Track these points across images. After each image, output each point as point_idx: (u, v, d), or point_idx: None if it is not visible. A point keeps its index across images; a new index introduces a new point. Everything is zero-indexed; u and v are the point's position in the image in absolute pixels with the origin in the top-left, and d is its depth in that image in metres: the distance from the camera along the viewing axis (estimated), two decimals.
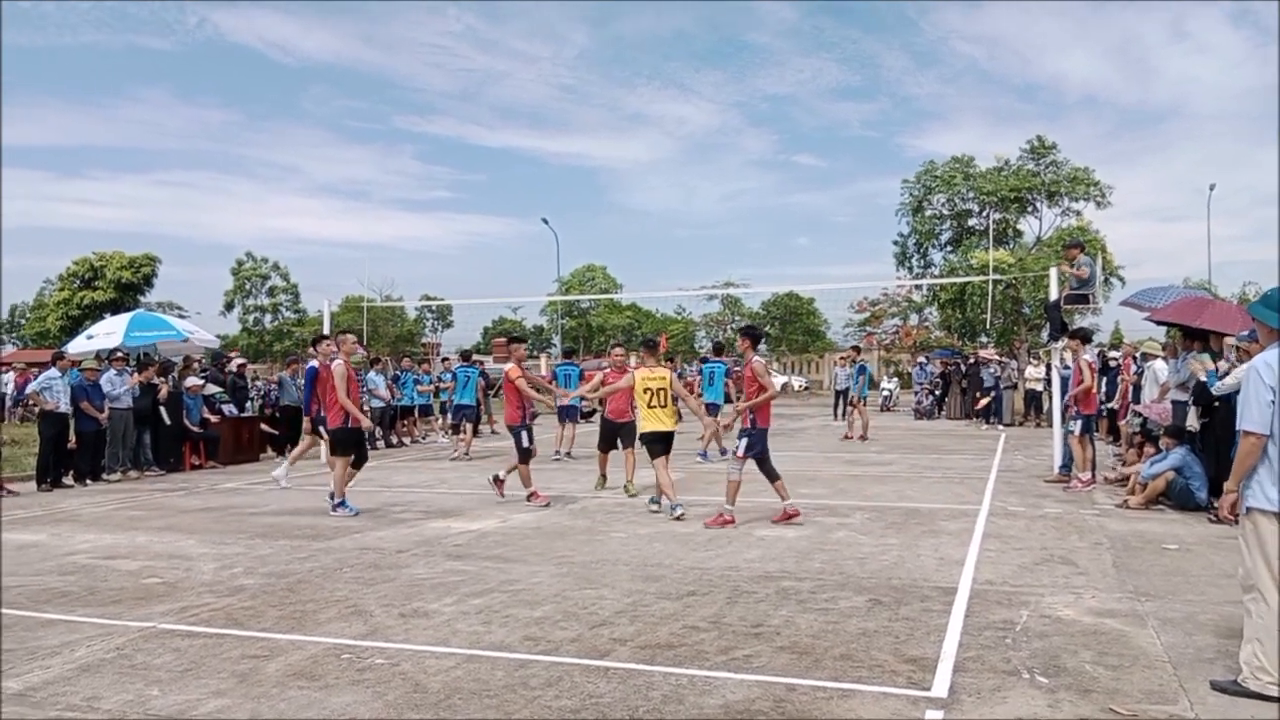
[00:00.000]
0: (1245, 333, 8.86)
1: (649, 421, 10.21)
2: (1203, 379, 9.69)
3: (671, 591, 6.49)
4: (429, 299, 48.49)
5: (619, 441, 11.77)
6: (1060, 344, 13.35)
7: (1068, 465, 12.09)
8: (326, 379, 10.31)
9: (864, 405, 19.66)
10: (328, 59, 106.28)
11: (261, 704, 4.40)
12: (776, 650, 5.13)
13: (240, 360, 18.52)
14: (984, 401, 23.27)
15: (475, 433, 20.01)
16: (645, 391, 10.16)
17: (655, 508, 10.11)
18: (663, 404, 10.15)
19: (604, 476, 11.97)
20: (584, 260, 63.47)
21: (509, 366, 11.15)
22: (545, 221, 49.54)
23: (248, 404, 17.62)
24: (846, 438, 19.36)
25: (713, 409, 15.93)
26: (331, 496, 10.29)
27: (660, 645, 5.25)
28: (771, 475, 9.41)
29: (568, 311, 58.53)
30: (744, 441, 9.19)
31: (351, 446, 10.37)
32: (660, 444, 10.13)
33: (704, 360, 17.06)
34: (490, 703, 4.37)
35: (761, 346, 57.58)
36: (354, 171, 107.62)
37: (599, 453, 12.12)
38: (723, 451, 15.65)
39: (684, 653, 5.10)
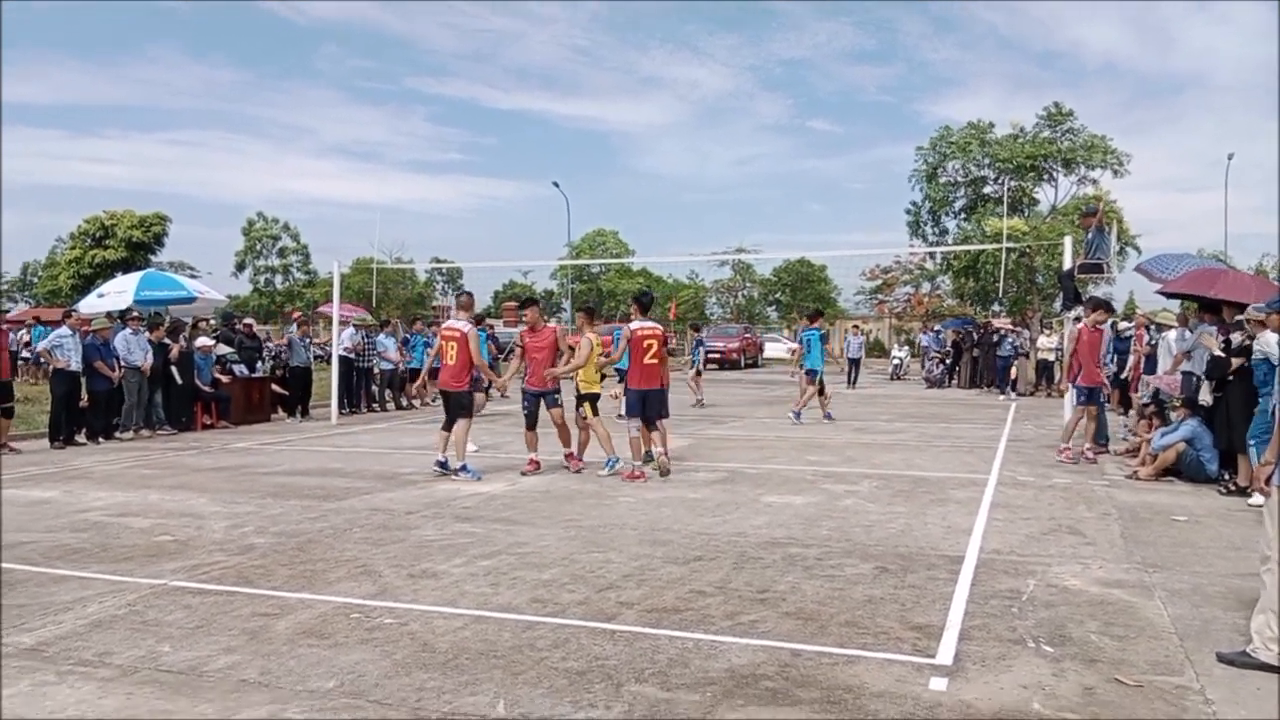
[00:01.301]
0: (1263, 304, 8.77)
1: (594, 385, 10.65)
2: (1217, 353, 9.62)
3: (678, 556, 6.52)
4: (439, 261, 48.54)
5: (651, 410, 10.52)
6: (1073, 313, 13.26)
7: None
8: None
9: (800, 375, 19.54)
10: (340, 18, 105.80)
11: (271, 661, 4.45)
12: (782, 616, 5.16)
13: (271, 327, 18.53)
14: (1014, 373, 23.08)
15: (486, 395, 20.16)
16: (599, 356, 10.61)
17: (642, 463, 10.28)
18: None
19: (648, 451, 10.46)
20: (595, 224, 63.40)
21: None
22: (556, 185, 49.30)
23: (258, 363, 17.65)
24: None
25: (811, 374, 16.38)
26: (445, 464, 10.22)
27: (666, 609, 5.28)
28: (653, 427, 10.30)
29: (578, 276, 58.40)
30: (622, 402, 10.38)
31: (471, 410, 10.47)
32: (595, 402, 10.72)
33: (805, 327, 17.82)
34: (497, 663, 4.41)
35: (772, 312, 57.57)
36: (366, 133, 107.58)
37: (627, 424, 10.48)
38: (828, 415, 16.41)
39: (690, 617, 5.13)
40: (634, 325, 10.23)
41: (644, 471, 9.94)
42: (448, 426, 10.24)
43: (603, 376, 11.05)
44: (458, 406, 10.13)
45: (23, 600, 5.48)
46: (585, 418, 10.61)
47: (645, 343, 10.05)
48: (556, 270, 58.59)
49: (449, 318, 10.62)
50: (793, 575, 6.02)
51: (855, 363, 27.41)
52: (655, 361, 10.14)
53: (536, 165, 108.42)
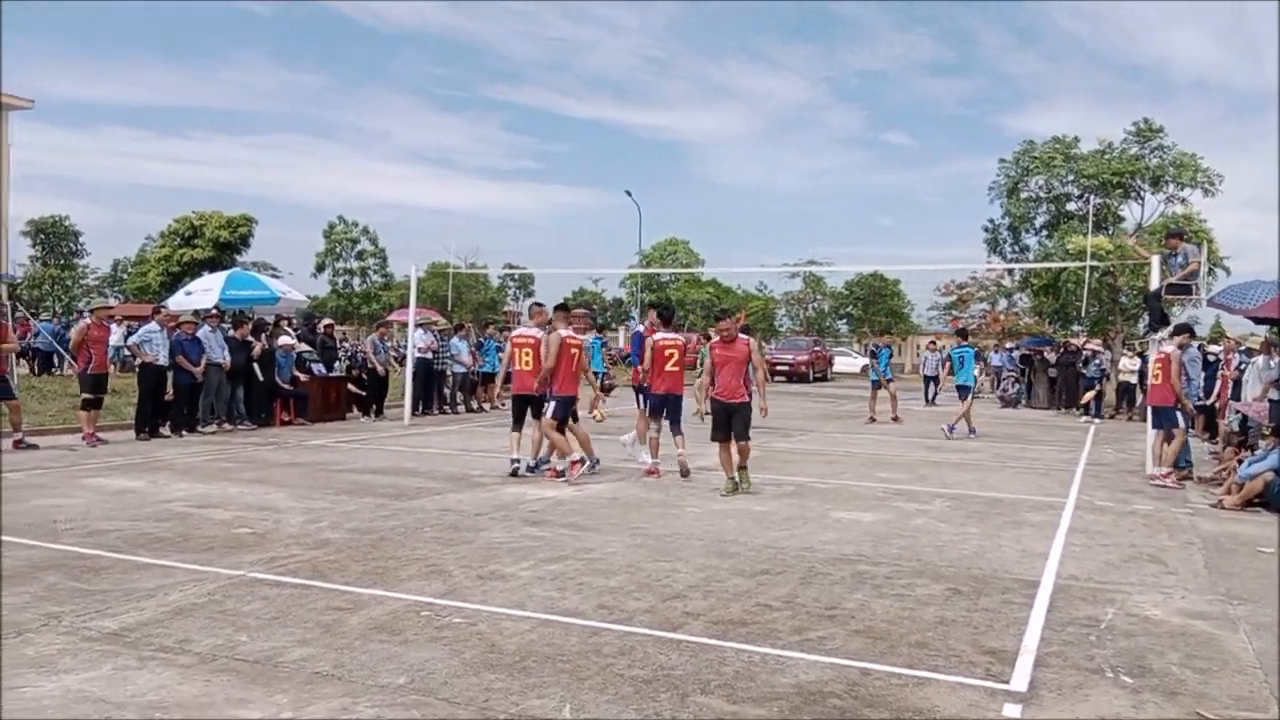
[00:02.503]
0: None
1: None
2: None
3: (745, 569, 6.48)
4: (512, 267, 49.10)
5: (732, 428, 9.68)
6: (1159, 335, 12.88)
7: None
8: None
9: (891, 385, 20.41)
10: (419, 25, 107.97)
11: (344, 655, 4.53)
12: (851, 633, 5.09)
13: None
14: (1089, 395, 22.54)
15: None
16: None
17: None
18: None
19: (733, 479, 9.69)
20: (666, 234, 63.42)
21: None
22: (629, 194, 49.59)
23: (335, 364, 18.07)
24: (872, 420, 19.48)
25: (964, 390, 17.25)
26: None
27: (733, 621, 5.25)
28: (675, 432, 10.82)
29: (648, 285, 58.52)
30: (552, 405, 10.26)
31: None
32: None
33: (956, 345, 18.62)
34: (564, 667, 4.43)
35: (843, 326, 56.92)
36: (442, 139, 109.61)
37: (717, 445, 9.87)
38: (972, 430, 16.94)
39: (756, 630, 5.09)
40: (656, 336, 10.92)
41: (657, 468, 10.71)
42: (518, 428, 10.56)
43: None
44: (539, 406, 10.51)
45: (107, 586, 5.68)
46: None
47: (666, 352, 10.83)
48: (626, 278, 58.83)
49: (519, 324, 10.89)
50: (862, 593, 5.94)
51: (932, 379, 27.19)
52: (676, 369, 10.86)
53: (609, 174, 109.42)
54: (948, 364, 18.83)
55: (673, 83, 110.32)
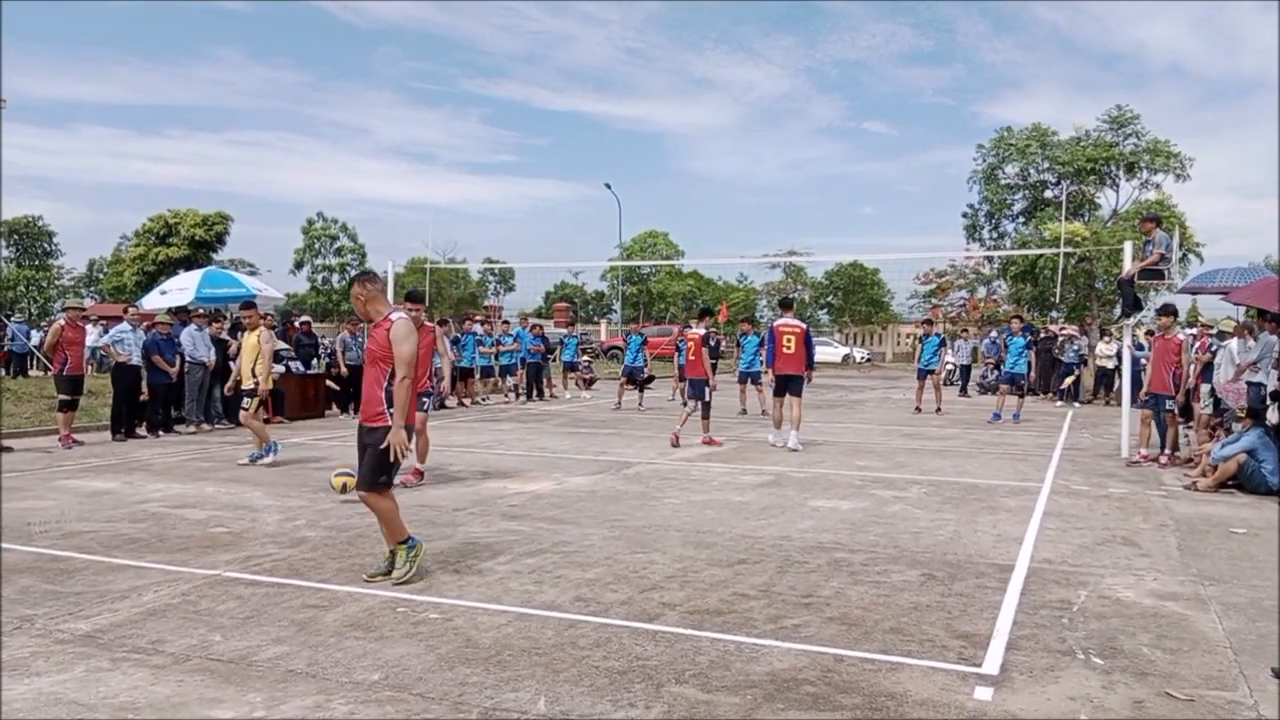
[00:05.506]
0: None
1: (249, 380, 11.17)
2: None
3: (722, 559, 6.50)
4: (491, 262, 48.95)
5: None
6: (1132, 321, 12.99)
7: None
8: None
9: (936, 377, 20.16)
10: (398, 20, 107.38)
11: (319, 652, 4.52)
12: (826, 621, 5.12)
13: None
14: (1068, 381, 22.65)
15: (540, 394, 20.76)
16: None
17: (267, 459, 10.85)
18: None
19: (390, 553, 5.99)
20: (646, 226, 63.49)
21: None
22: (608, 186, 49.57)
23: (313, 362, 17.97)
24: (917, 410, 19.37)
25: (1009, 377, 18.46)
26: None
27: (709, 611, 5.27)
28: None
29: (629, 278, 58.47)
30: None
31: None
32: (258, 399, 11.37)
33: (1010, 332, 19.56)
34: (539, 660, 4.43)
35: (823, 316, 56.99)
36: (421, 134, 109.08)
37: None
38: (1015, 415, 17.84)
39: (732, 619, 5.11)
40: (688, 331, 12.84)
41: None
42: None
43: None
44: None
45: (81, 588, 5.64)
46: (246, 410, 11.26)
47: (689, 343, 13.04)
48: (607, 271, 58.75)
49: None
50: (837, 580, 5.98)
51: (965, 370, 26.74)
52: (694, 358, 12.87)
53: (589, 167, 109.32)
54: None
55: (653, 75, 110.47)
